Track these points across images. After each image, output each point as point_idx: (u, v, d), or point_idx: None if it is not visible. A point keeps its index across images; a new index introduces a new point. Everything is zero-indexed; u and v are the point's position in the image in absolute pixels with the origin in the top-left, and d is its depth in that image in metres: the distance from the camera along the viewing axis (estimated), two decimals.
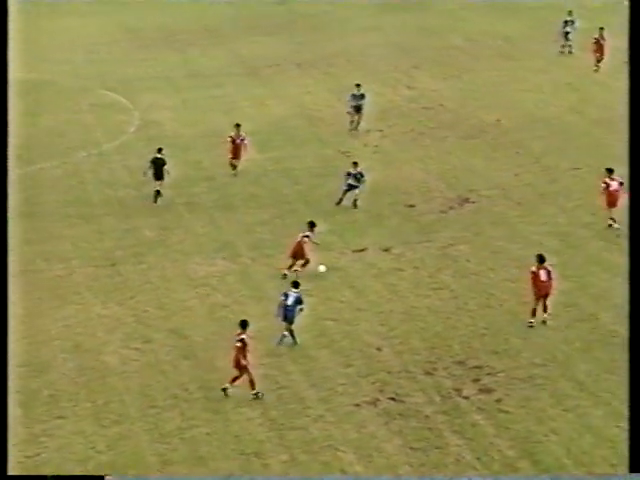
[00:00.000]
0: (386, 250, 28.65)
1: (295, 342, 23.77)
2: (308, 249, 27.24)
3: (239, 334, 21.77)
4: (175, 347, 24.06)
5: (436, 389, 21.89)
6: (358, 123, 37.78)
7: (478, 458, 19.61)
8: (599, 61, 43.97)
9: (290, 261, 27.09)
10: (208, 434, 20.66)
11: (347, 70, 46.15)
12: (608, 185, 28.89)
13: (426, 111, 40.49)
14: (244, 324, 21.90)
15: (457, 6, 57.38)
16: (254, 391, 21.69)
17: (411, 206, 31.54)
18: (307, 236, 27.35)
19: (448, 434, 20.37)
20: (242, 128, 34.66)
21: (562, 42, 46.16)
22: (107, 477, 19.00)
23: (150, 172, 32.44)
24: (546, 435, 20.19)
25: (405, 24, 53.71)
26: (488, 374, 22.33)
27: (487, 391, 21.73)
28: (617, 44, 44.44)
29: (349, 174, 31.11)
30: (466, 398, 21.52)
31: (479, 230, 29.66)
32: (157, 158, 32.58)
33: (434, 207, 31.43)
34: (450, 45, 49.57)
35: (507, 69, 45.41)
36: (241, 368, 21.64)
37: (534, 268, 24.01)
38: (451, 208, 31.25)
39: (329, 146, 37.08)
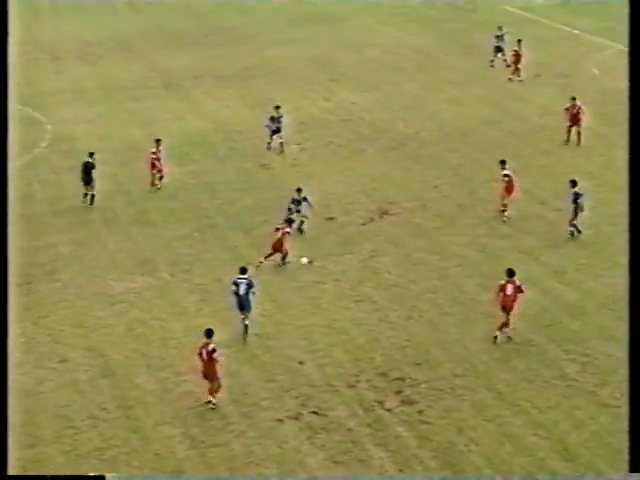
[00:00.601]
0: (307, 263, 28.74)
1: (246, 335, 24.44)
2: (287, 243, 27.98)
3: (207, 344, 21.71)
4: (93, 366, 23.71)
5: (359, 402, 22.03)
6: (281, 145, 36.79)
7: (401, 470, 19.81)
8: (517, 72, 45.04)
9: (269, 252, 27.95)
10: (127, 454, 20.41)
11: (265, 83, 46.28)
12: (510, 176, 30.99)
13: (345, 123, 40.82)
14: (210, 333, 21.89)
15: (372, 19, 58.09)
16: (214, 399, 21.66)
17: (332, 219, 31.73)
18: (288, 232, 28.04)
19: (371, 447, 20.52)
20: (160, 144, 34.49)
21: (492, 57, 46.99)
22: (107, 477, 18.96)
23: (81, 176, 32.65)
24: (467, 445, 20.49)
25: (321, 37, 54.13)
26: (410, 386, 22.57)
27: (409, 403, 21.96)
28: (528, 57, 45.64)
29: (294, 201, 30.09)
30: (389, 410, 21.72)
31: (400, 242, 29.99)
32: (86, 162, 32.62)
33: (355, 219, 31.67)
34: (367, 58, 50.11)
35: (424, 82, 46.10)
36: (214, 377, 21.62)
37: (502, 281, 24.20)
38: (371, 220, 31.53)
39: (248, 160, 37.06)
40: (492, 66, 46.57)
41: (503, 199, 31.10)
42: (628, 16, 18.12)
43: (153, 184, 34.11)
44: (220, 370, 21.84)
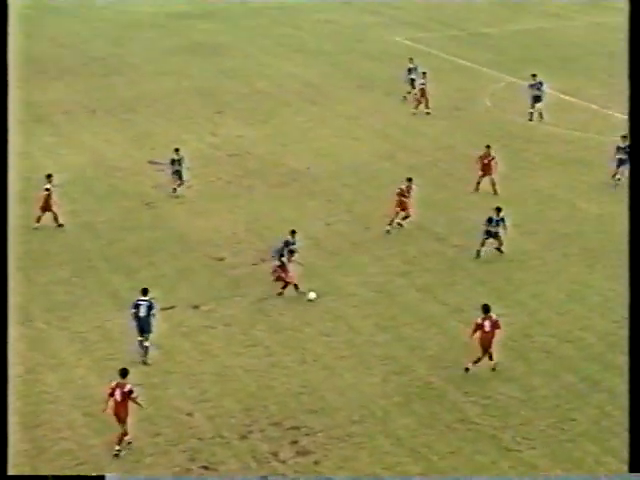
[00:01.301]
0: (195, 307, 28.58)
1: (146, 357, 25.16)
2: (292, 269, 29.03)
3: (122, 384, 21.66)
4: None
5: (251, 454, 21.94)
6: (174, 189, 36.30)
7: None
8: (427, 105, 46.03)
9: (281, 284, 29.09)
10: None
11: (146, 117, 46.04)
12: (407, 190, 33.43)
13: (232, 159, 40.94)
14: (125, 372, 21.92)
15: (257, 50, 58.61)
16: (119, 448, 21.61)
17: (220, 259, 31.67)
18: (283, 262, 28.85)
19: None
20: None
21: (408, 89, 47.81)
22: (107, 477, 18.77)
23: None
24: None
25: (204, 68, 54.26)
26: (306, 435, 22.61)
27: (305, 453, 21.98)
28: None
29: (287, 243, 29.30)
30: (283, 462, 21.68)
31: None
32: None
33: (245, 260, 31.68)
34: (254, 90, 50.49)
35: (314, 114, 46.71)
36: (125, 420, 21.57)
37: (479, 319, 24.65)
38: (263, 260, 31.52)
39: (131, 198, 36.71)
40: (405, 97, 47.23)
41: (396, 214, 33.30)
42: (628, 15, 19.16)
43: (56, 220, 33.47)
44: (131, 414, 21.77)
